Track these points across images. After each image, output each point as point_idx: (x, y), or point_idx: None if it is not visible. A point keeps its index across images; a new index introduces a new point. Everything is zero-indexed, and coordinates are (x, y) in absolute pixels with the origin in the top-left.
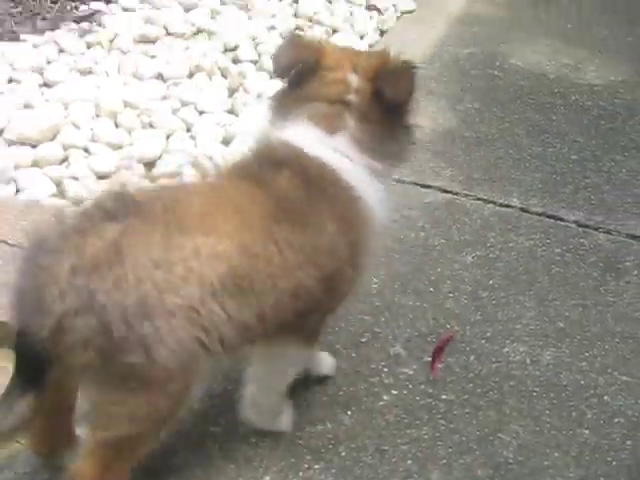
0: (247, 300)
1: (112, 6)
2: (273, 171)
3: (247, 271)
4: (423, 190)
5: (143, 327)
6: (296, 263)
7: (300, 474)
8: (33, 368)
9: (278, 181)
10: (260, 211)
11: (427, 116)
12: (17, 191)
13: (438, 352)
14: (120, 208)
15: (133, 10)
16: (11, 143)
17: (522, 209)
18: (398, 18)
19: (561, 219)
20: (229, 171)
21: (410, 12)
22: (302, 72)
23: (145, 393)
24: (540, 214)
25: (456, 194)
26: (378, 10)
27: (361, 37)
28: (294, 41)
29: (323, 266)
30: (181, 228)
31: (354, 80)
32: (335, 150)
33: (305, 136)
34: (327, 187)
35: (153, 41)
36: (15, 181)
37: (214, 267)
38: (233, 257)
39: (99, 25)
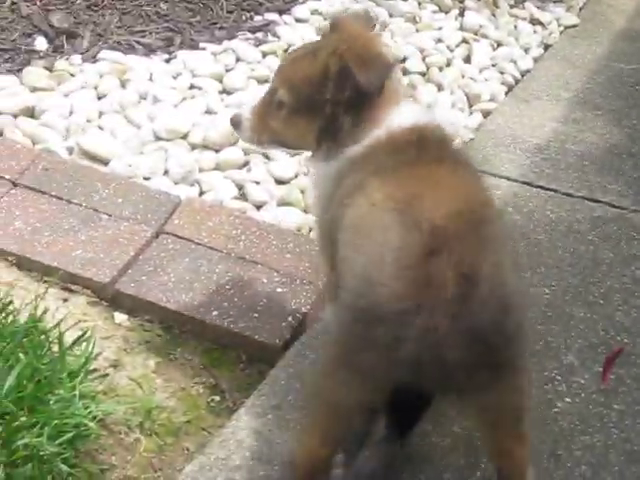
0: None
1: (285, 17)
2: (442, 150)
3: None
4: (591, 204)
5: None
6: None
7: (478, 474)
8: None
9: (455, 156)
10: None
11: (593, 131)
12: (201, 193)
13: (609, 363)
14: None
15: (306, 21)
16: (195, 147)
17: None
18: (561, 32)
19: None
20: (409, 161)
21: (573, 26)
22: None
23: None
24: None
25: (625, 209)
26: (542, 24)
27: (525, 51)
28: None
29: None
30: None
31: None
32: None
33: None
34: None
35: None
36: (199, 183)
37: None
38: None
39: (274, 35)
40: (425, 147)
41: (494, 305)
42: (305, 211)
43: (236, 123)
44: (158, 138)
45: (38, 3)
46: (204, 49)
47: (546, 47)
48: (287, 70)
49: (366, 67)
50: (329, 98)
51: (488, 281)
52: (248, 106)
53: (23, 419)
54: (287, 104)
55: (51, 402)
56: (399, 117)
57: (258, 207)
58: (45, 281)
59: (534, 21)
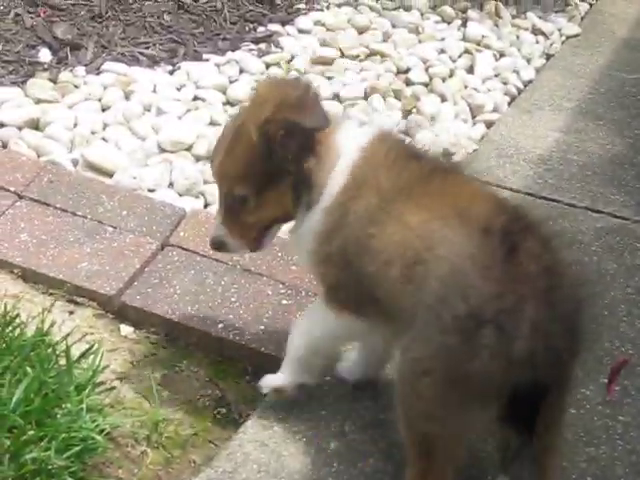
0: None
1: (288, 28)
2: (427, 157)
3: None
4: (594, 215)
5: None
6: None
7: None
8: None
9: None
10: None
11: (595, 141)
12: (206, 205)
13: (614, 374)
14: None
15: (308, 32)
16: (199, 158)
17: None
18: (563, 42)
19: None
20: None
21: (575, 36)
22: None
23: None
24: None
25: (627, 220)
26: (544, 34)
27: (528, 61)
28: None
29: None
30: None
31: None
32: None
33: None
34: None
35: (329, 63)
36: (204, 195)
37: None
38: None
39: (277, 46)
40: (413, 158)
41: (577, 293)
42: None
43: (220, 245)
44: (162, 150)
45: (42, 15)
46: (207, 60)
47: (548, 57)
48: (226, 167)
49: (304, 110)
50: (287, 158)
51: (566, 272)
52: (216, 226)
53: (31, 433)
54: (250, 195)
55: (59, 415)
56: (356, 136)
57: None
58: (51, 294)
59: (536, 31)
